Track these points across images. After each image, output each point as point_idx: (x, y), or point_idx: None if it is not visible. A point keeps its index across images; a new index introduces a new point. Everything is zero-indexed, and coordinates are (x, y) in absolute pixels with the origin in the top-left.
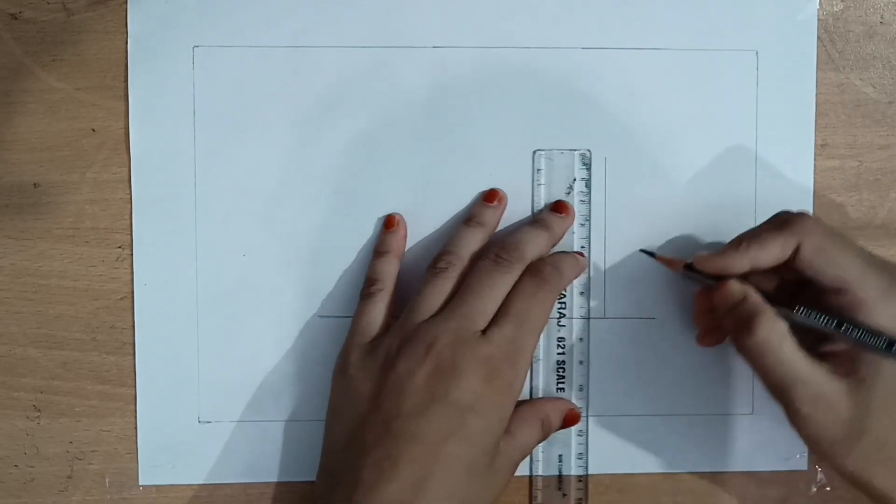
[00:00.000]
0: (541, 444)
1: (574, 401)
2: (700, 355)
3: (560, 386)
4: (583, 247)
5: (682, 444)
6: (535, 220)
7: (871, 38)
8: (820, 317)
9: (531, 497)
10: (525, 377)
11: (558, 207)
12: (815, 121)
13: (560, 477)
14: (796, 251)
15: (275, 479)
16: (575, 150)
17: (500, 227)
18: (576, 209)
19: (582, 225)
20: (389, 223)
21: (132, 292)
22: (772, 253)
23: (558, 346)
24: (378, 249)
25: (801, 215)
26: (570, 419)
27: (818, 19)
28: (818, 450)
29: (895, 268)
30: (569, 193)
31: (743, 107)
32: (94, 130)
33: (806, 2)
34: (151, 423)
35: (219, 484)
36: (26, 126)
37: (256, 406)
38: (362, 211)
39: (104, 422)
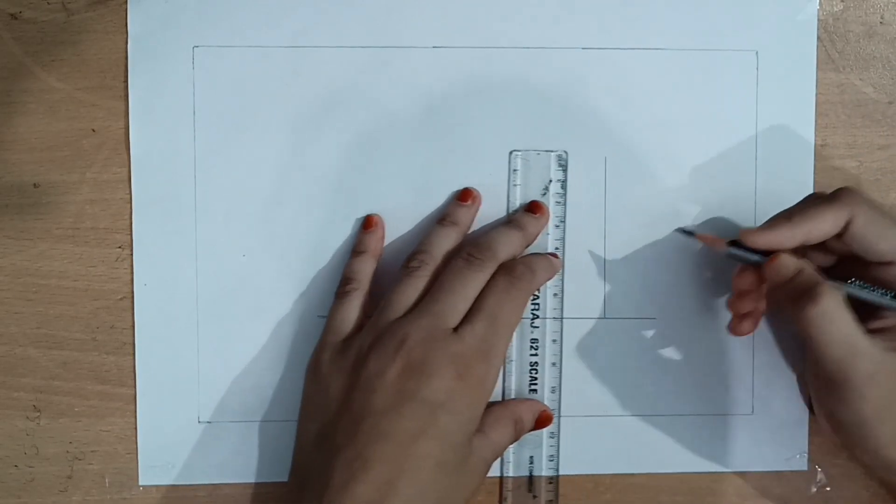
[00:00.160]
0: (512, 446)
1: (546, 402)
2: (700, 355)
3: (533, 387)
4: (557, 248)
5: (682, 444)
6: (510, 221)
7: (871, 38)
8: (875, 289)
9: (501, 498)
10: (497, 375)
11: (532, 208)
12: (815, 121)
13: (531, 478)
14: (846, 225)
15: (275, 479)
16: (551, 151)
17: (476, 227)
18: (551, 210)
19: (557, 226)
20: (368, 223)
21: (132, 292)
22: (823, 226)
23: (531, 347)
24: (355, 249)
25: (847, 189)
26: (542, 420)
27: (818, 19)
28: (858, 432)
29: None
30: (544, 194)
31: (743, 107)
32: (94, 130)
33: (806, 2)
34: (151, 423)
35: (219, 484)
36: (26, 126)
37: (256, 406)
38: (362, 211)
39: (104, 422)
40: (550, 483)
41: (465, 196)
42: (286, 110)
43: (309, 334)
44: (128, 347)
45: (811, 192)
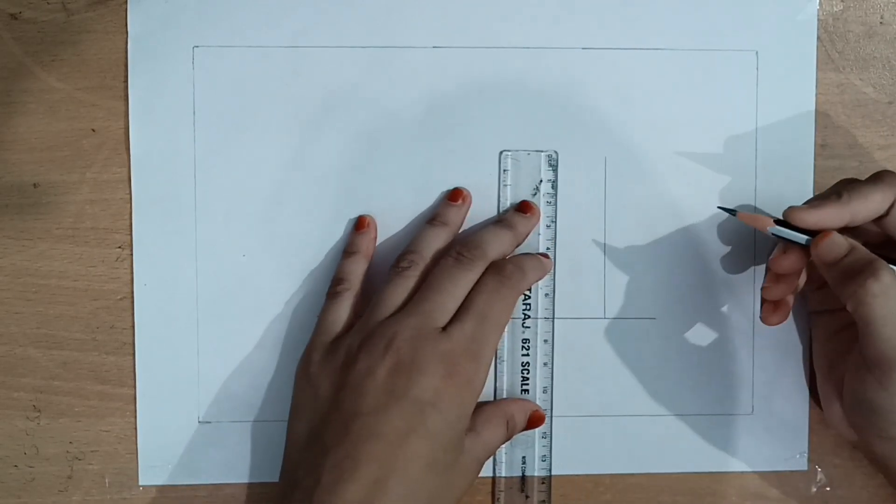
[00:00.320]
0: (504, 446)
1: (538, 402)
2: (700, 355)
3: (524, 388)
4: (548, 248)
5: (682, 444)
6: (500, 220)
7: (871, 38)
8: None
9: (494, 498)
10: (486, 374)
11: (523, 207)
12: (815, 121)
13: (523, 478)
14: (890, 206)
15: (275, 479)
16: (542, 151)
17: (466, 227)
18: (542, 210)
19: (548, 226)
20: (360, 224)
21: (132, 292)
22: (871, 205)
23: (523, 347)
24: (347, 249)
25: (889, 172)
26: (534, 420)
27: (818, 19)
28: (891, 418)
29: None
30: (535, 195)
31: (743, 107)
32: (94, 130)
33: (806, 2)
34: (151, 423)
35: (218, 484)
36: (26, 126)
37: (256, 406)
38: (362, 211)
39: (104, 422)
40: (543, 483)
41: (455, 196)
42: (286, 110)
43: (309, 334)
44: (128, 347)
45: (811, 192)
